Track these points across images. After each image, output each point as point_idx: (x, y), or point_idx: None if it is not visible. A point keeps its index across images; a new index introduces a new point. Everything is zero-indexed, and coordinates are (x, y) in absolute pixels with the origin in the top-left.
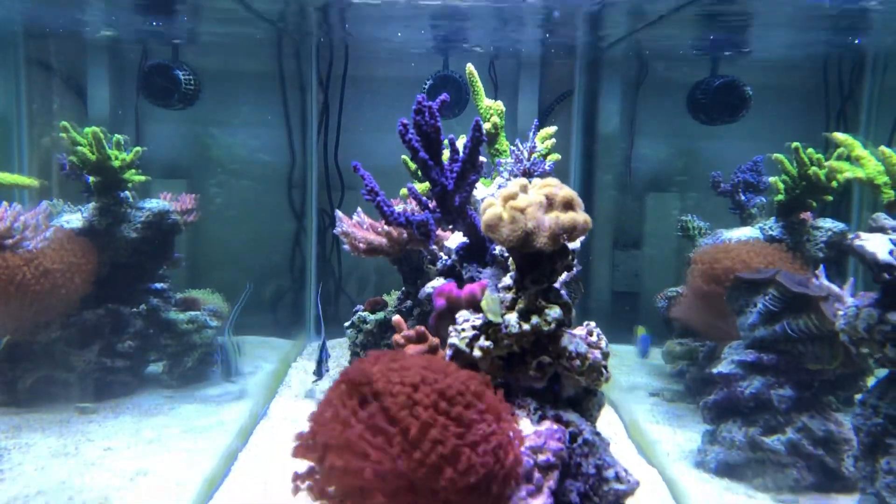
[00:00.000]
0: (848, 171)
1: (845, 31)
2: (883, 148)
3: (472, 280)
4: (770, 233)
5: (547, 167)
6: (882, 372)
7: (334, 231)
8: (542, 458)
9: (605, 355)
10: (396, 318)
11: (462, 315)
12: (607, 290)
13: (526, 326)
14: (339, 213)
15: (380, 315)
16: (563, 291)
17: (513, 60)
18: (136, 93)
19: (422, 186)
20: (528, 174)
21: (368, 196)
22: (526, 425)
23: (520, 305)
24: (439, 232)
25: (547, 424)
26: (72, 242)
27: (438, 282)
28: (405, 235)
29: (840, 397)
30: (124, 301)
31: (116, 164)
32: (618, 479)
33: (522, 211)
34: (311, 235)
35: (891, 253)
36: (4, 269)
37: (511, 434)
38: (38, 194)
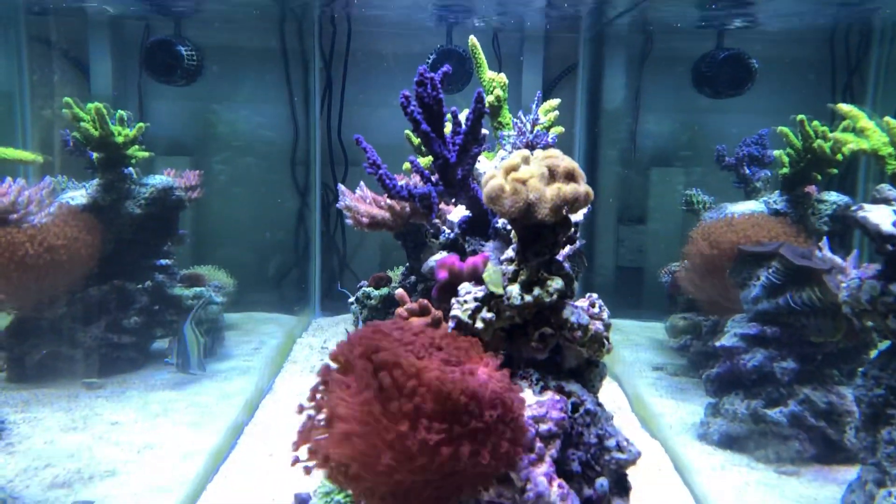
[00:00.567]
0: (852, 143)
1: (853, 4)
2: (888, 119)
3: (474, 253)
4: (774, 206)
5: (550, 140)
6: (884, 344)
7: (337, 205)
8: (543, 427)
9: (607, 326)
10: (399, 291)
11: (464, 287)
12: (611, 266)
13: (528, 298)
14: (341, 187)
15: (384, 290)
16: (565, 264)
17: (517, 35)
18: (138, 69)
19: (425, 160)
20: (531, 147)
21: (371, 169)
22: (528, 395)
23: (522, 277)
24: (442, 205)
25: (549, 395)
26: (76, 218)
27: (441, 255)
28: (408, 209)
29: (843, 370)
30: (130, 277)
31: (119, 140)
32: (619, 448)
33: (524, 182)
34: (315, 211)
35: (894, 224)
36: (9, 244)
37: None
38: (41, 170)
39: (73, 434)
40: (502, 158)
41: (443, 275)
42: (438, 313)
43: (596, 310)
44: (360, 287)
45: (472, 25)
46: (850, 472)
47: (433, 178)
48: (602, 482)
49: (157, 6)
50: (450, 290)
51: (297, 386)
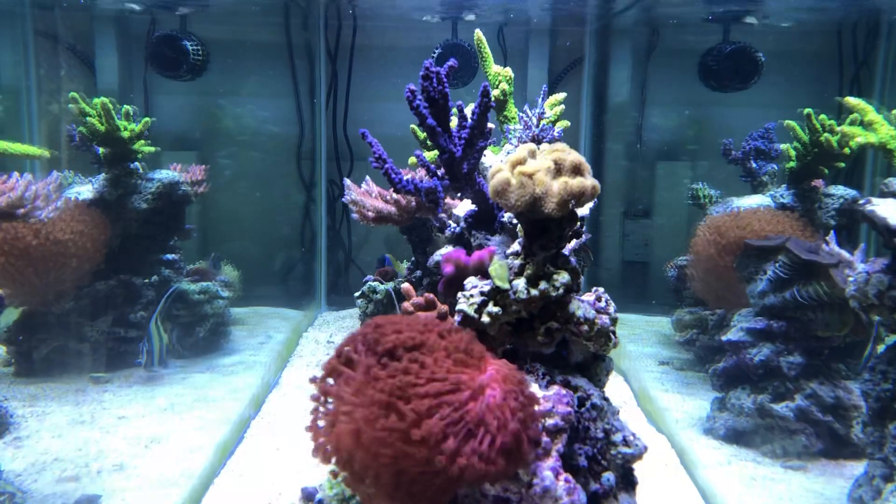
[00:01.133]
0: (860, 136)
1: None
2: None
3: (480, 247)
4: (781, 200)
5: (556, 134)
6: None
7: (343, 200)
8: (550, 421)
9: (614, 321)
10: (405, 285)
11: (470, 281)
12: (617, 260)
13: (534, 292)
14: (347, 181)
15: (390, 285)
16: (571, 258)
17: (522, 29)
18: (144, 64)
19: (430, 154)
20: (537, 141)
21: (376, 163)
22: (534, 390)
23: (528, 271)
24: (448, 199)
25: (555, 389)
26: (83, 213)
27: (447, 249)
28: (413, 203)
29: (850, 365)
30: (136, 272)
31: (125, 134)
32: (626, 443)
33: (530, 176)
34: (321, 206)
35: None
36: (16, 239)
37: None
38: (47, 165)
39: (80, 428)
40: (508, 152)
41: (449, 269)
42: (444, 307)
43: (602, 304)
44: (366, 281)
45: (477, 19)
46: (857, 467)
47: (439, 173)
48: (608, 476)
49: (163, 1)
50: (456, 284)
51: (303, 380)
